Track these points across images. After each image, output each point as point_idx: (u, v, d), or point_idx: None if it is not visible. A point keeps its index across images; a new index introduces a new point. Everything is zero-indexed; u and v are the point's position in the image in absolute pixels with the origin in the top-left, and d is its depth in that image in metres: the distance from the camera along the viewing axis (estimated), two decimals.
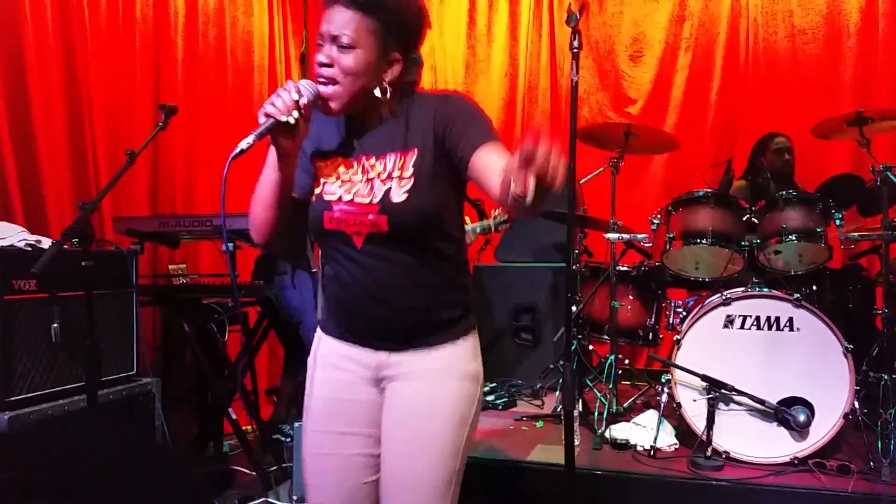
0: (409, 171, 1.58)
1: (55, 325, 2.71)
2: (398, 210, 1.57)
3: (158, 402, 3.22)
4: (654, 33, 5.51)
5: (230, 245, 3.69)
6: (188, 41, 4.51)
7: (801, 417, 2.96)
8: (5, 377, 2.55)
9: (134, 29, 4.10)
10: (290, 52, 5.61)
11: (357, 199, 1.61)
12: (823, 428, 2.98)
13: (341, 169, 1.66)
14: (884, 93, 4.80)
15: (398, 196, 1.57)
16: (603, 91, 5.62)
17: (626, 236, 3.67)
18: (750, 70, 5.26)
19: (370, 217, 1.58)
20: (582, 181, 4.11)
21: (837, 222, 3.42)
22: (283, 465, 3.55)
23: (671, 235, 3.54)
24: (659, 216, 3.63)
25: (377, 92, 1.60)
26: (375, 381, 1.70)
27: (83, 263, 2.46)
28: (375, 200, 1.58)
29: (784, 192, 3.49)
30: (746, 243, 3.48)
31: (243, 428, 3.80)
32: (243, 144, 1.51)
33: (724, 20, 5.34)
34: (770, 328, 3.09)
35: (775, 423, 3.03)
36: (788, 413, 2.98)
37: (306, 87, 1.56)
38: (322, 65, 1.56)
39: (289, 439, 3.66)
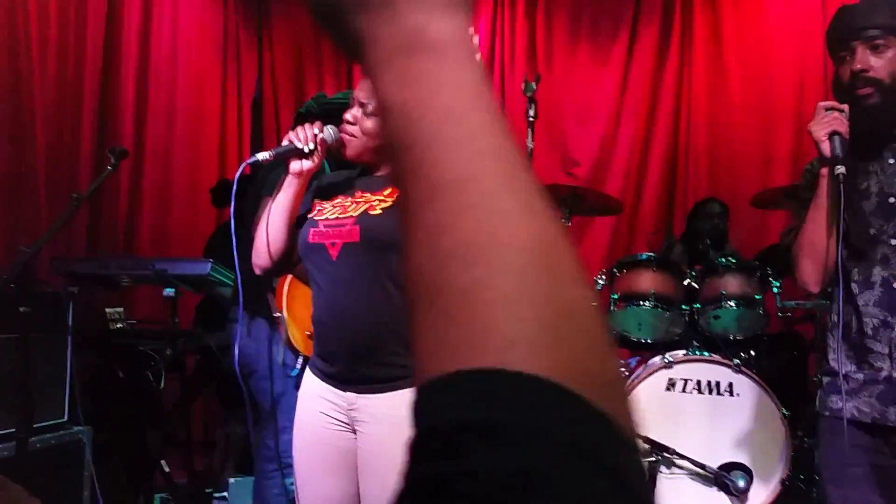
0: (392, 200, 1.79)
1: None
2: (371, 221, 1.77)
3: (89, 452, 3.08)
4: (600, 98, 5.67)
5: (171, 291, 3.62)
6: (138, 83, 4.46)
7: (741, 483, 3.00)
8: None
9: (84, 69, 4.04)
10: (241, 97, 5.59)
11: (340, 216, 1.83)
12: (762, 493, 3.03)
13: (338, 201, 1.89)
14: None
15: (375, 211, 1.79)
16: (550, 151, 5.74)
17: None
18: (691, 138, 5.44)
19: (346, 228, 1.79)
20: None
21: (775, 290, 3.52)
22: None
23: (615, 296, 3.60)
24: (604, 277, 3.69)
25: None
26: (349, 424, 1.82)
27: (21, 309, 2.37)
28: (354, 214, 1.81)
29: (723, 259, 3.59)
30: (687, 307, 3.56)
31: (175, 481, 3.66)
32: (260, 156, 1.82)
33: (667, 89, 5.53)
34: (711, 392, 3.15)
35: (715, 488, 3.06)
36: (728, 478, 3.02)
37: (329, 129, 1.87)
38: (348, 122, 1.85)
39: (222, 495, 3.54)
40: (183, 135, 4.83)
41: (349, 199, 1.87)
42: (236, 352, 2.78)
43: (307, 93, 5.87)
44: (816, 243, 1.91)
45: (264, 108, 5.99)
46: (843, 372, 1.89)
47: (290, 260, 1.96)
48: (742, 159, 5.22)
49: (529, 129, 2.45)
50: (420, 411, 0.33)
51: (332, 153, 2.28)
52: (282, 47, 6.02)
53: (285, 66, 6.01)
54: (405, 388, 1.73)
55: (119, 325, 3.76)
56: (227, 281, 3.35)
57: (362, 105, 1.84)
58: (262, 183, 2.68)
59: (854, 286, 1.93)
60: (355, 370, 1.79)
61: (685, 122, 5.48)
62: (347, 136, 1.86)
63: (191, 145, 4.87)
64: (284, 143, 1.85)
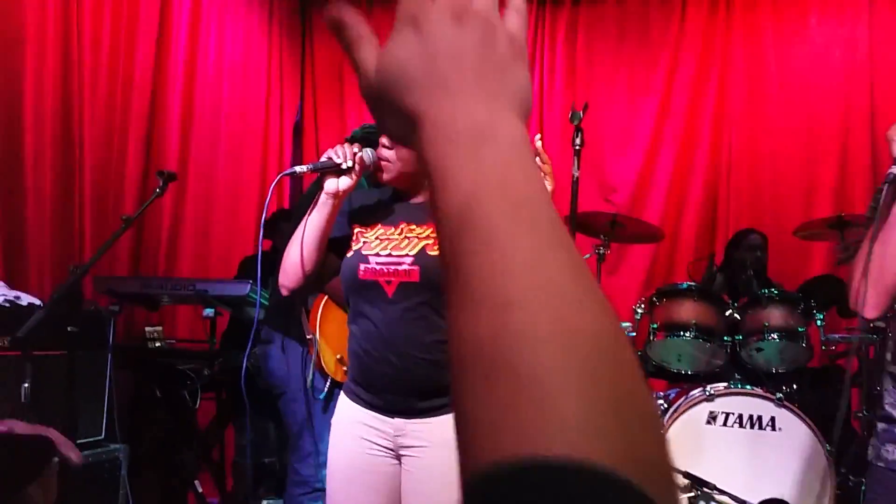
0: None
1: (25, 384, 2.62)
2: (430, 262, 1.74)
3: (124, 470, 3.10)
4: (640, 125, 5.64)
5: (210, 311, 3.66)
6: (184, 107, 4.54)
7: None
8: None
9: (132, 91, 4.13)
10: (283, 121, 5.67)
11: (394, 252, 1.79)
12: None
13: (381, 231, 1.86)
14: (862, 195, 4.91)
15: (433, 251, 1.76)
16: (588, 178, 5.71)
17: None
18: (732, 167, 5.37)
19: (403, 267, 1.76)
20: None
21: (819, 323, 3.45)
22: None
23: (654, 326, 3.55)
24: (643, 306, 3.65)
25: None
26: (394, 450, 1.80)
27: (69, 329, 2.41)
28: (411, 253, 1.78)
29: (767, 291, 3.53)
30: (729, 339, 3.50)
31: (208, 501, 3.67)
32: (298, 168, 1.83)
33: (707, 118, 5.49)
34: (752, 426, 3.08)
35: None
36: None
37: (368, 151, 1.85)
38: (385, 147, 1.84)
39: None
40: (225, 158, 4.90)
41: (393, 229, 1.85)
42: (268, 372, 2.82)
43: (348, 117, 5.94)
44: (880, 261, 1.72)
45: (305, 131, 6.07)
46: None
47: (319, 281, 1.95)
48: (784, 188, 5.13)
49: (576, 158, 2.45)
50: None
51: (367, 176, 2.30)
52: (323, 72, 6.11)
53: (327, 90, 6.09)
54: (448, 413, 1.74)
55: (157, 344, 3.80)
56: (265, 302, 3.38)
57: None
58: (302, 210, 2.69)
59: None
60: (405, 402, 1.78)
61: (726, 151, 5.41)
62: (384, 162, 1.85)
63: (233, 168, 4.94)
64: (323, 158, 1.83)
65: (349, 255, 1.87)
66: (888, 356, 1.84)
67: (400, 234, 1.83)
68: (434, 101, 0.45)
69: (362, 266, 1.81)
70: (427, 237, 1.79)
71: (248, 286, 3.35)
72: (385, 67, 0.49)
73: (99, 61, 3.85)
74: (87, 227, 3.76)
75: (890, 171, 1.72)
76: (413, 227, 1.83)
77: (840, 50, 5.15)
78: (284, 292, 1.95)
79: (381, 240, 1.84)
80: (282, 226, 3.64)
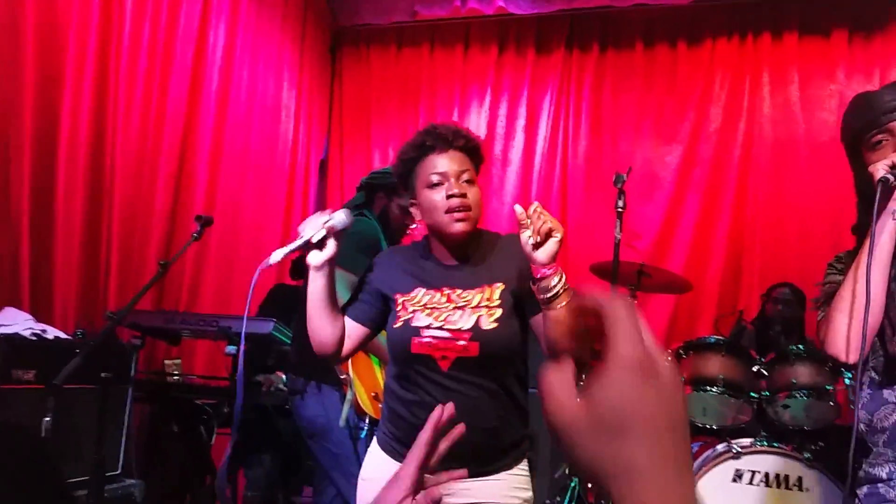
0: (497, 301, 1.75)
1: (47, 418, 2.61)
2: (489, 337, 1.72)
3: None
4: (665, 174, 5.63)
5: (233, 348, 3.64)
6: (214, 142, 4.58)
7: None
8: None
9: (163, 126, 4.16)
10: (310, 159, 5.72)
11: (448, 326, 1.76)
12: None
13: (426, 298, 1.82)
14: None
15: (488, 324, 1.73)
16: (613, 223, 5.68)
17: None
18: (758, 220, 5.33)
19: (461, 343, 1.73)
20: None
21: (847, 381, 3.39)
22: None
23: (681, 379, 3.49)
24: (669, 359, 3.60)
25: None
26: None
27: (102, 375, 2.43)
28: (467, 327, 1.74)
29: (794, 347, 3.48)
30: (756, 395, 3.44)
31: None
32: (272, 258, 1.73)
33: (733, 170, 5.47)
34: (779, 486, 3.02)
35: None
36: None
37: (340, 215, 1.78)
38: (457, 196, 1.78)
39: None
40: (251, 194, 4.93)
41: (439, 295, 1.81)
42: (297, 414, 2.80)
43: (373, 156, 5.99)
44: (858, 297, 1.61)
45: (330, 169, 6.11)
46: (885, 475, 1.67)
47: (352, 346, 1.90)
48: (812, 243, 5.08)
49: (618, 220, 2.45)
50: None
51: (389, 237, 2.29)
52: (351, 110, 6.18)
53: (353, 128, 6.16)
54: (496, 473, 1.78)
55: (176, 377, 3.79)
56: (287, 340, 3.36)
57: (460, 175, 1.81)
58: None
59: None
60: (450, 467, 1.78)
61: (752, 204, 5.38)
62: (462, 212, 1.78)
63: (258, 205, 4.96)
64: (296, 241, 1.79)
65: (397, 325, 1.81)
66: (861, 413, 1.73)
67: (447, 301, 1.79)
68: (654, 463, 0.49)
69: (415, 340, 1.77)
70: (478, 306, 1.76)
71: (272, 325, 3.34)
72: (613, 404, 0.51)
73: (133, 98, 3.90)
74: (114, 262, 3.77)
75: (882, 175, 1.61)
76: (459, 292, 1.80)
77: None
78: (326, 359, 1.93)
79: (429, 308, 1.80)
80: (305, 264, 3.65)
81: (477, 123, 5.99)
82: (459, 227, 1.79)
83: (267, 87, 5.14)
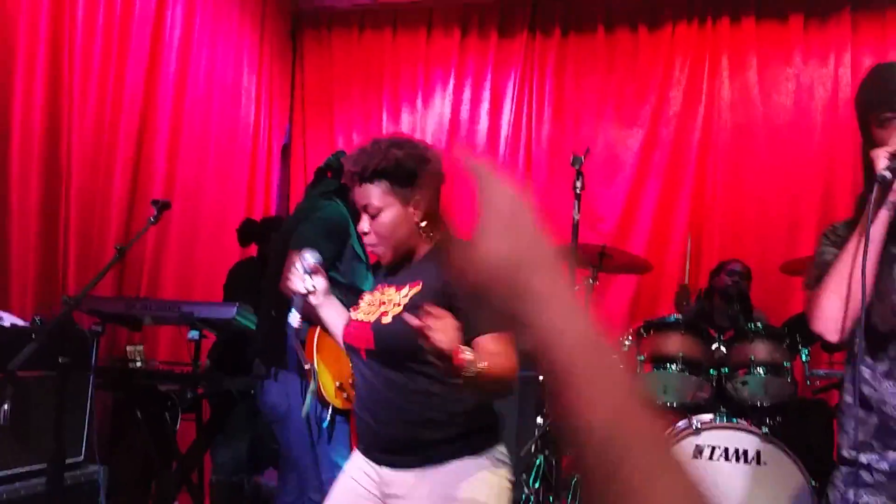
0: (405, 299, 1.82)
1: (5, 406, 2.57)
2: (382, 331, 1.80)
3: (103, 493, 3.04)
4: (627, 157, 5.68)
5: (196, 333, 3.61)
6: (172, 127, 4.52)
7: None
8: None
9: (120, 110, 4.09)
10: (272, 143, 5.66)
11: (362, 318, 1.89)
12: None
13: (369, 297, 1.98)
14: None
15: (386, 319, 1.81)
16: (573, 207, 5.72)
17: None
18: (717, 202, 5.41)
19: (364, 335, 1.84)
20: None
21: (804, 357, 3.48)
22: None
23: (641, 358, 3.55)
24: (630, 337, 3.66)
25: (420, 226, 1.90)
26: (381, 499, 1.86)
27: (60, 360, 2.39)
28: (371, 321, 1.84)
29: (753, 325, 3.56)
30: (715, 372, 3.51)
31: None
32: (293, 322, 1.92)
33: (692, 152, 5.53)
34: (738, 461, 3.09)
35: None
36: None
37: (307, 256, 1.97)
38: (364, 233, 1.88)
39: None
40: (212, 179, 4.87)
41: (378, 292, 1.96)
42: (261, 400, 2.79)
43: (336, 140, 5.95)
44: (849, 278, 1.63)
45: (293, 153, 6.06)
46: (865, 461, 1.67)
47: None
48: (770, 224, 5.17)
49: (576, 201, 2.48)
50: None
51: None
52: (313, 94, 6.12)
53: (316, 112, 6.11)
54: (438, 463, 1.78)
55: (138, 364, 3.74)
56: (251, 325, 3.33)
57: (365, 209, 1.87)
58: (289, 233, 2.66)
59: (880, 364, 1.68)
60: (388, 456, 1.85)
61: (711, 186, 5.45)
62: (370, 248, 1.94)
63: (219, 189, 4.91)
64: (295, 299, 1.97)
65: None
66: (847, 398, 1.73)
67: (379, 297, 1.92)
68: (552, 287, 0.63)
69: (346, 329, 1.95)
70: (388, 302, 1.86)
71: (235, 309, 3.31)
72: (502, 246, 0.65)
73: (88, 83, 3.83)
74: (72, 248, 3.71)
75: (880, 174, 1.64)
76: (388, 289, 1.91)
77: (824, 88, 5.25)
78: None
79: (365, 303, 1.96)
80: (271, 235, 3.63)
81: (441, 107, 5.99)
82: (377, 257, 1.94)
83: (226, 70, 5.07)
